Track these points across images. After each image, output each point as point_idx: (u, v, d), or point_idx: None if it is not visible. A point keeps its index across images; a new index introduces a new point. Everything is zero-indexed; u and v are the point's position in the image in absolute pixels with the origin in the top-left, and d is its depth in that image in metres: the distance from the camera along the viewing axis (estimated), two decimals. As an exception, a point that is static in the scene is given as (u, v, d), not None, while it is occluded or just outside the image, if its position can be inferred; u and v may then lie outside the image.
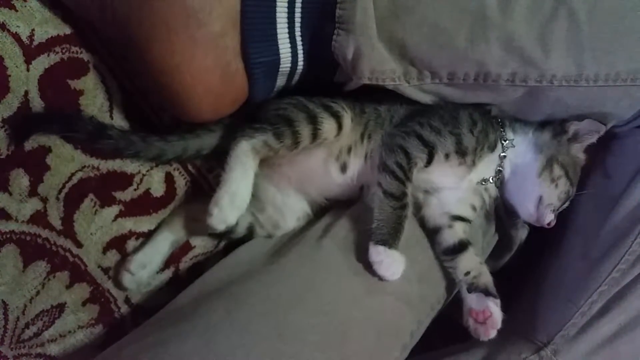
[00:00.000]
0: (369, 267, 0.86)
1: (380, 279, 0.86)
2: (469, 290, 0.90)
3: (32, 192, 0.89)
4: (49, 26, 0.86)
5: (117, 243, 0.96)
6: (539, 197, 0.96)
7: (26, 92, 0.85)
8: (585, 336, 0.94)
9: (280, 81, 0.92)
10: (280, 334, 0.79)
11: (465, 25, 0.84)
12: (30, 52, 0.85)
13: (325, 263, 0.88)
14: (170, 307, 0.89)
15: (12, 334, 0.90)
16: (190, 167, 1.01)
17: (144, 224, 0.98)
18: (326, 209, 1.01)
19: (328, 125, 0.91)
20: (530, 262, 1.08)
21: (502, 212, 1.03)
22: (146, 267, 0.96)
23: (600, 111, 0.93)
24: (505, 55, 0.85)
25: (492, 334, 0.87)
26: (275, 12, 0.83)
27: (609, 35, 0.85)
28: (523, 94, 0.90)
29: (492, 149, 0.96)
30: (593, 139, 0.97)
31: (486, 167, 0.97)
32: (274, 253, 0.93)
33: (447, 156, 0.92)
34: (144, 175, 0.96)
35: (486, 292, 0.89)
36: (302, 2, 0.84)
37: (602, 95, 0.90)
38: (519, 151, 0.97)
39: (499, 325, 0.88)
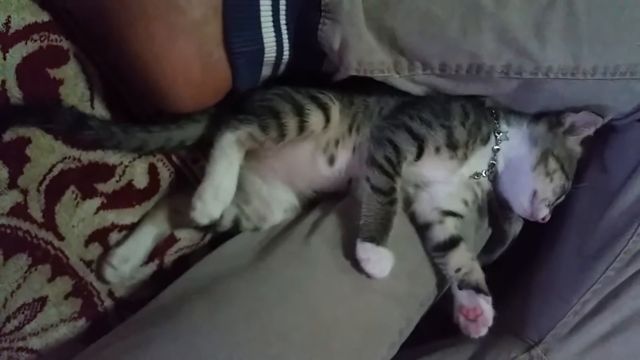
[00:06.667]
0: (356, 264, 0.84)
1: (368, 276, 0.84)
2: (460, 287, 0.89)
3: (12, 184, 0.87)
4: (26, 13, 0.83)
5: (100, 236, 0.94)
6: (534, 192, 0.94)
7: (3, 82, 0.83)
8: (577, 335, 0.92)
9: (266, 71, 0.90)
10: (264, 335, 0.78)
11: (457, 14, 0.82)
12: (6, 40, 0.82)
13: (312, 261, 0.87)
14: (153, 305, 0.87)
15: (-7, 328, 0.89)
16: (174, 158, 0.98)
17: (126, 216, 0.96)
18: (315, 202, 0.99)
19: (315, 118, 0.89)
20: (523, 258, 1.06)
21: (495, 206, 1.01)
22: (129, 261, 0.94)
23: (598, 104, 0.91)
24: (499, 46, 0.83)
25: (483, 331, 0.86)
26: None
27: (608, 27, 0.83)
28: (517, 86, 0.88)
29: (485, 142, 0.94)
30: (590, 131, 0.95)
31: (479, 161, 0.95)
32: (261, 250, 0.92)
33: (437, 150, 0.90)
34: (126, 166, 0.94)
35: (477, 289, 0.88)
36: None
37: (600, 88, 0.87)
38: (513, 144, 0.95)
39: (489, 323, 0.86)
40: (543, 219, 0.93)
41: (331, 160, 0.94)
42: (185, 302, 0.83)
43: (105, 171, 0.93)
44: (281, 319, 0.80)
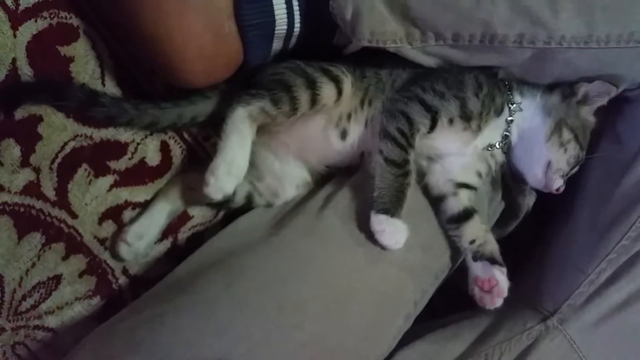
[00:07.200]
0: (370, 236, 0.84)
1: (383, 248, 0.84)
2: (475, 259, 0.88)
3: (25, 163, 0.87)
4: (36, -11, 0.83)
5: (113, 213, 0.94)
6: (548, 162, 0.93)
7: (14, 60, 0.83)
8: (592, 305, 0.92)
9: (277, 44, 0.89)
10: (279, 306, 0.79)
11: None
12: (16, 17, 0.82)
13: (326, 234, 0.86)
14: (168, 279, 0.87)
15: (9, 306, 0.89)
16: (186, 136, 0.98)
17: (139, 193, 0.96)
18: (327, 177, 0.98)
19: (327, 91, 0.88)
20: (537, 230, 1.05)
21: (509, 179, 1.00)
22: (143, 238, 0.94)
23: (612, 74, 0.90)
24: (512, 15, 0.82)
25: (499, 302, 0.86)
26: None
27: None
28: (531, 56, 0.87)
29: (499, 113, 0.93)
30: (603, 101, 0.94)
31: (492, 132, 0.94)
32: (275, 224, 0.91)
33: (451, 121, 0.89)
34: (138, 144, 0.94)
35: (492, 261, 0.87)
36: None
37: (614, 57, 0.86)
38: (527, 115, 0.94)
39: (505, 293, 0.85)
40: (557, 190, 0.92)
41: (343, 135, 0.93)
42: (200, 275, 0.83)
43: (118, 149, 0.93)
44: (297, 291, 0.80)
